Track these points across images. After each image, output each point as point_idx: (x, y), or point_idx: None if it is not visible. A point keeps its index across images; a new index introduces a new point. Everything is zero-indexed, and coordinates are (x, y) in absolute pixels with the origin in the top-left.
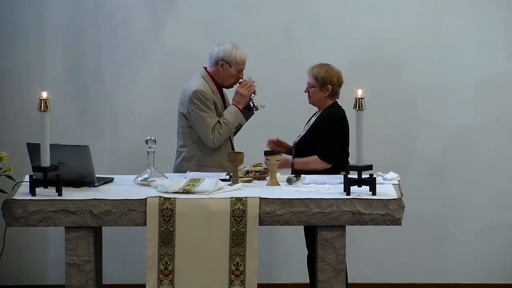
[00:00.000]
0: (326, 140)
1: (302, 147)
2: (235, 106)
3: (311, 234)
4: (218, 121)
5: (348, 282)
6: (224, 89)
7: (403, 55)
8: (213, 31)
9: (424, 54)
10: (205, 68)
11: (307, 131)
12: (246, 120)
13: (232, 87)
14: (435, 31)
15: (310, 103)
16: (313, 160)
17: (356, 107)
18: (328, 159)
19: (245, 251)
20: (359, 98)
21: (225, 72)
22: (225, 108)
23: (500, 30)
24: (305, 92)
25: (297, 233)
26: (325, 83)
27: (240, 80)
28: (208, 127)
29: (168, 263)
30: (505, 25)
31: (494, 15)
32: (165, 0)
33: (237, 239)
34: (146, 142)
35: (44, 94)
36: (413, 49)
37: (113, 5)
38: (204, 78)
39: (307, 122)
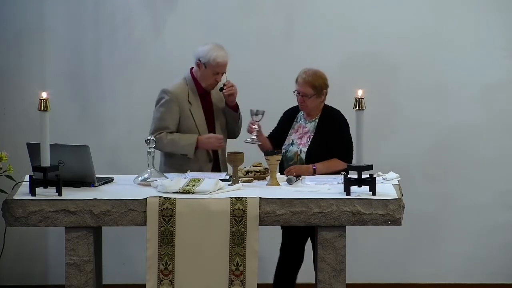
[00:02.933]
0: (343, 141)
1: (315, 154)
2: (196, 142)
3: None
4: (171, 133)
5: (348, 282)
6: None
7: (403, 55)
8: (213, 31)
9: (424, 54)
10: (191, 69)
11: (314, 138)
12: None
13: (212, 88)
14: (435, 31)
15: (307, 112)
16: (336, 163)
17: (356, 107)
18: (348, 159)
19: (245, 251)
20: (359, 98)
21: (202, 73)
22: (203, 109)
23: (500, 30)
24: (300, 103)
25: None
26: (322, 88)
27: (218, 137)
28: (154, 126)
29: (168, 263)
30: (505, 25)
31: (494, 15)
32: (165, 0)
33: (237, 239)
34: (146, 142)
35: (44, 94)
36: (413, 49)
37: (113, 5)
38: (185, 79)
39: (293, 127)
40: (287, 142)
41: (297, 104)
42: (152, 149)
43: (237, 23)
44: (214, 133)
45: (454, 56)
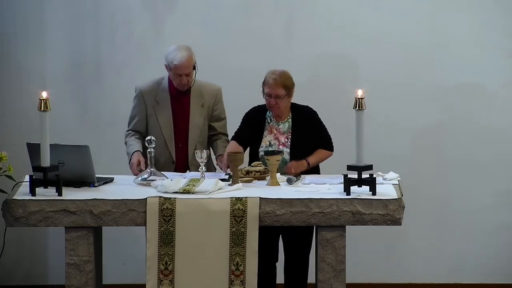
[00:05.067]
0: (323, 133)
1: (300, 152)
2: (131, 156)
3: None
4: (137, 132)
5: (348, 282)
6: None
7: (403, 55)
8: (213, 31)
9: (424, 54)
10: None
11: (294, 138)
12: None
13: (183, 88)
14: (435, 31)
15: (278, 113)
16: (323, 154)
17: (356, 107)
18: (332, 147)
19: (245, 251)
20: (359, 98)
21: (169, 74)
22: (174, 110)
23: (500, 30)
24: (273, 105)
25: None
26: (291, 88)
27: (134, 170)
28: (129, 119)
29: (168, 263)
30: (505, 25)
31: (494, 15)
32: (165, 0)
33: (237, 239)
34: (146, 142)
35: (44, 94)
36: (413, 48)
37: (113, 5)
38: (162, 78)
39: (266, 128)
40: (263, 144)
41: (258, 105)
42: (152, 149)
43: (237, 23)
44: (187, 135)
45: (454, 56)
